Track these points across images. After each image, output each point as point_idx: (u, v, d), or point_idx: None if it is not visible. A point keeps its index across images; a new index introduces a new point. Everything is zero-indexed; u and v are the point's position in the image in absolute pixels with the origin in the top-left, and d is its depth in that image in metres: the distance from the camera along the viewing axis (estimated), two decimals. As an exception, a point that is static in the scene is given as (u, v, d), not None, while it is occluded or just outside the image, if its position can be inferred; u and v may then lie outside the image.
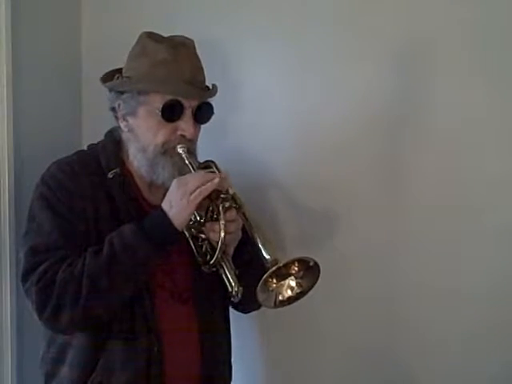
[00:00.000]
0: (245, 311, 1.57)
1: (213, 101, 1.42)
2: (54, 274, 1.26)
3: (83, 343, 1.33)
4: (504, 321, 1.52)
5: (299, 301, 1.65)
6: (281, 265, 1.17)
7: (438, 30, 1.54)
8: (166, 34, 1.42)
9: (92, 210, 1.34)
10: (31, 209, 1.37)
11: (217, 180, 1.26)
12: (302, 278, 1.24)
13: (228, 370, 1.52)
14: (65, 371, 1.35)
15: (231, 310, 1.56)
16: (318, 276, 1.23)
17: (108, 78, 1.45)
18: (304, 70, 1.68)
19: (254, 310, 1.56)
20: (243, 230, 1.34)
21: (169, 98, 1.33)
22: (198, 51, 1.42)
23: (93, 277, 1.25)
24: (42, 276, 1.26)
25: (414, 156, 1.59)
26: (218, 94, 1.45)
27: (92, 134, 1.52)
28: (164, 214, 1.28)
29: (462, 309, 1.55)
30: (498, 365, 1.53)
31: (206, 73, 1.42)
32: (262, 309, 1.55)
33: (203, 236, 1.33)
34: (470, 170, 1.54)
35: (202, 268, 1.34)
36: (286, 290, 1.24)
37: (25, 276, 1.30)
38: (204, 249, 1.35)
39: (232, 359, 1.54)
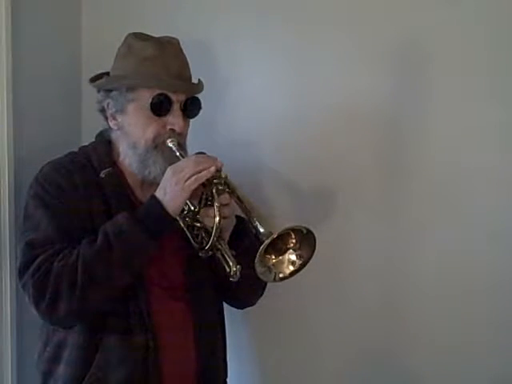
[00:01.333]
0: (240, 305, 1.58)
1: (203, 97, 1.44)
2: (50, 265, 1.27)
3: (79, 341, 1.33)
4: (505, 321, 1.52)
5: (296, 299, 1.65)
6: (275, 236, 1.18)
7: (437, 30, 1.54)
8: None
9: (86, 209, 1.36)
10: (26, 209, 1.38)
11: (213, 169, 1.28)
12: (300, 249, 1.25)
13: (223, 365, 1.53)
14: (61, 369, 1.36)
15: (227, 308, 1.56)
16: (315, 243, 1.23)
17: (96, 79, 1.47)
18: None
19: (250, 303, 1.56)
20: (238, 220, 1.37)
21: (157, 92, 1.36)
22: (190, 49, 1.43)
23: (88, 265, 1.26)
24: (38, 268, 1.27)
25: (414, 154, 1.59)
26: (210, 90, 1.47)
27: (91, 135, 1.53)
28: (157, 200, 1.29)
29: (463, 309, 1.56)
30: (499, 365, 1.53)
31: (196, 70, 1.44)
32: (258, 307, 1.55)
33: (198, 225, 1.34)
34: (471, 169, 1.54)
35: (199, 254, 1.35)
36: (288, 266, 1.25)
37: (22, 270, 1.31)
38: (200, 238, 1.35)
39: (227, 357, 1.55)
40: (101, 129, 1.50)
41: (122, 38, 1.46)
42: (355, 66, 1.63)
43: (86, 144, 1.50)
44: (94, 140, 1.50)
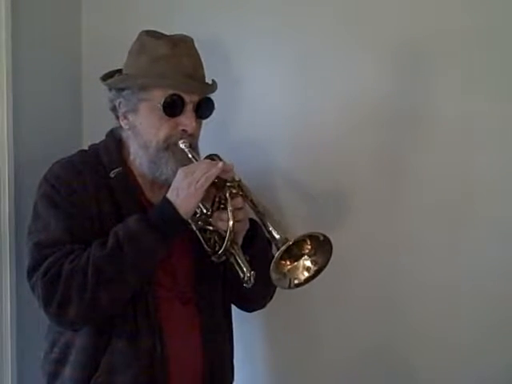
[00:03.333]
0: (250, 308, 1.56)
1: (215, 97, 1.42)
2: (60, 267, 1.25)
3: (86, 343, 1.32)
4: (505, 319, 1.53)
5: (302, 301, 1.64)
6: (291, 242, 1.17)
7: (438, 29, 1.55)
8: (166, 33, 1.41)
9: (95, 209, 1.34)
10: (35, 208, 1.36)
11: (221, 164, 1.26)
12: (315, 255, 1.23)
13: (230, 369, 1.52)
14: (68, 371, 1.34)
15: (235, 310, 1.55)
16: (331, 250, 1.22)
17: (108, 77, 1.44)
18: (305, 66, 1.69)
19: (260, 307, 1.54)
20: (251, 224, 1.36)
21: (170, 92, 1.33)
22: (201, 49, 1.41)
23: (98, 267, 1.24)
24: (47, 270, 1.26)
25: (415, 153, 1.60)
26: (221, 90, 1.45)
27: (92, 135, 1.52)
28: (169, 202, 1.27)
29: (464, 308, 1.57)
30: (499, 364, 1.54)
31: (207, 70, 1.42)
32: (266, 309, 1.55)
33: (211, 228, 1.32)
34: (471, 167, 1.55)
35: (212, 259, 1.33)
36: (303, 272, 1.24)
37: (31, 271, 1.29)
38: (212, 241, 1.34)
39: (234, 359, 1.54)
40: (103, 129, 1.47)
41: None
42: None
43: (97, 142, 1.47)
44: (101, 139, 1.47)
